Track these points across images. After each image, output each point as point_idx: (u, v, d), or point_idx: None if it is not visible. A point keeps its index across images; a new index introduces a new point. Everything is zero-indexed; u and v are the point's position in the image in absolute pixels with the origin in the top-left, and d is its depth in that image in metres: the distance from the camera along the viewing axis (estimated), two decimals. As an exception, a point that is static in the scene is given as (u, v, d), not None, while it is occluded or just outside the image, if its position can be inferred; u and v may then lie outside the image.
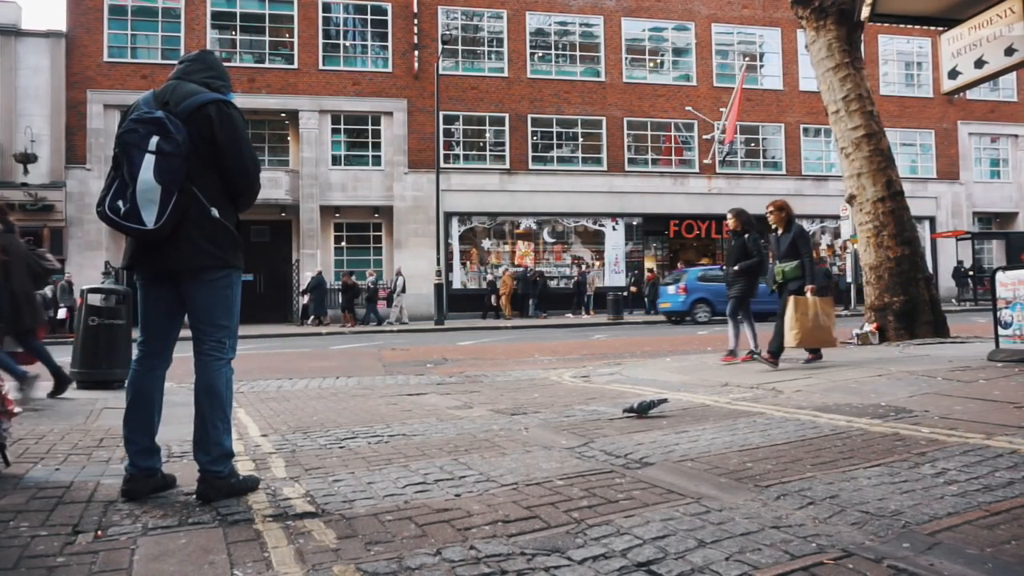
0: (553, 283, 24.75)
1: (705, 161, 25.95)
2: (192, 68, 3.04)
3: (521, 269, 24.23)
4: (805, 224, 26.99)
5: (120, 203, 2.77)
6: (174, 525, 2.58)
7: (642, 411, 4.67)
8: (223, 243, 2.92)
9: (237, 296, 3.05)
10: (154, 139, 2.75)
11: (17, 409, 3.61)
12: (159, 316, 3.00)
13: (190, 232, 2.85)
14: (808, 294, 6.67)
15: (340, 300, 22.04)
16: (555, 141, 25.47)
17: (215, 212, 2.88)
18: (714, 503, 2.68)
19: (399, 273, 22.38)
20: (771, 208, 7.23)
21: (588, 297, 23.62)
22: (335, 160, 24.08)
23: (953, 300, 25.25)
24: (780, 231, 7.17)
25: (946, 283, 25.70)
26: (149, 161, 2.74)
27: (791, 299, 6.65)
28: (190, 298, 2.95)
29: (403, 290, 22.07)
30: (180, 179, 2.78)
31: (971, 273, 25.85)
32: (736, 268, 7.66)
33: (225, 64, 3.27)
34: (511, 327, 19.62)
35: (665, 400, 4.93)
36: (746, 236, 7.62)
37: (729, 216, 7.82)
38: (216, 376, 2.94)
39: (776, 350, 6.82)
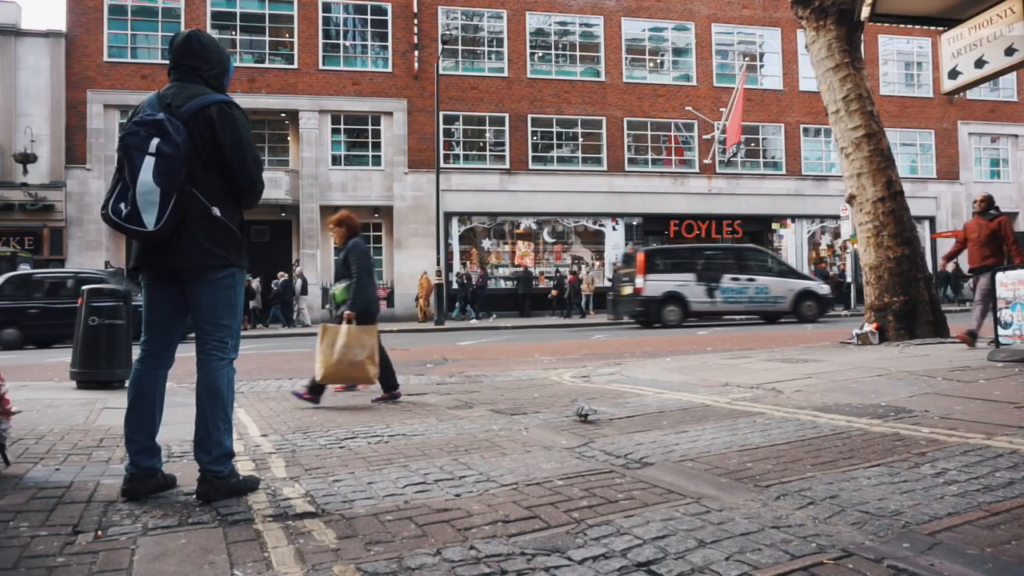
0: (553, 283, 24.71)
1: (705, 161, 25.95)
2: (186, 64, 2.99)
3: (521, 269, 24.22)
4: (806, 224, 27.13)
5: (122, 205, 2.78)
6: (174, 525, 2.58)
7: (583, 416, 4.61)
8: (226, 243, 2.93)
9: (240, 296, 3.05)
10: (154, 141, 2.75)
11: (16, 408, 3.61)
12: (163, 316, 3.00)
13: (193, 232, 2.85)
14: (344, 322, 5.63)
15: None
16: (555, 141, 25.47)
17: (217, 212, 2.89)
18: (714, 503, 2.68)
19: (300, 274, 21.86)
20: (331, 224, 6.18)
21: (587, 298, 23.28)
22: (335, 160, 24.08)
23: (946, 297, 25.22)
24: (340, 247, 6.11)
25: (946, 283, 25.72)
26: (149, 163, 2.74)
27: (320, 328, 5.81)
28: (194, 297, 2.95)
29: (304, 291, 21.77)
30: (179, 181, 2.79)
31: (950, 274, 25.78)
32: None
33: None
34: (510, 327, 19.61)
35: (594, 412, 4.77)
36: (349, 247, 6.00)
37: (330, 225, 6.24)
38: (218, 376, 2.95)
39: (314, 386, 5.69)
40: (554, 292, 23.56)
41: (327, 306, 6.12)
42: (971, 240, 8.20)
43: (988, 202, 8.31)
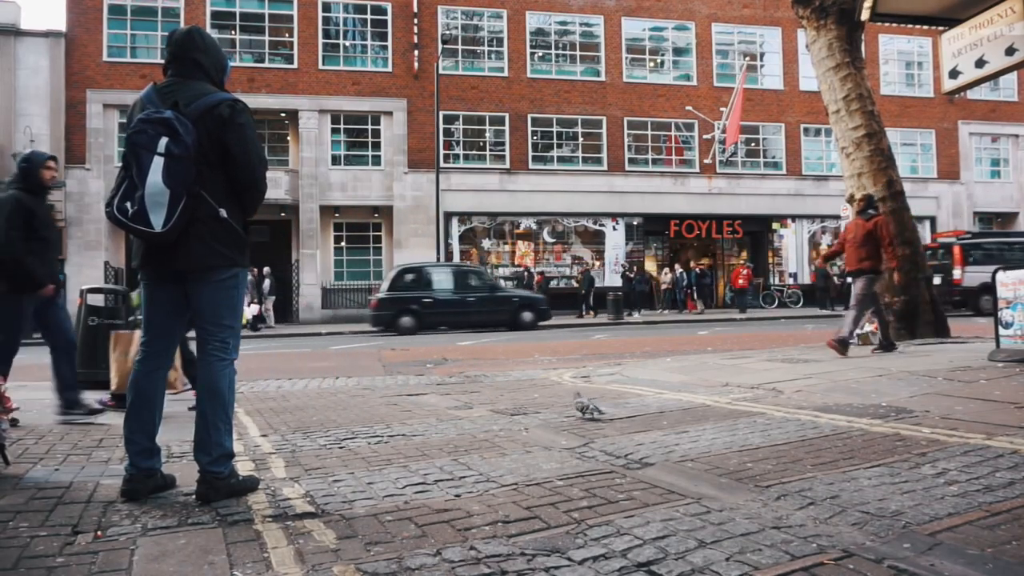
0: (555, 283, 24.71)
1: (705, 161, 25.95)
2: (188, 57, 2.97)
3: (521, 269, 24.21)
4: (806, 224, 27.12)
5: (128, 204, 2.76)
6: (174, 525, 2.58)
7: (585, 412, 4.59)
8: (231, 243, 2.92)
9: (242, 296, 3.05)
10: (163, 141, 2.72)
11: (15, 407, 3.61)
12: (163, 316, 3.00)
13: (201, 232, 2.84)
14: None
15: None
16: (555, 141, 25.46)
17: (224, 213, 2.87)
18: (714, 503, 2.68)
19: (268, 275, 21.32)
20: None
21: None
22: (335, 160, 24.08)
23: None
24: None
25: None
26: (158, 164, 2.72)
27: (113, 336, 5.61)
28: (197, 298, 2.94)
29: (271, 291, 21.55)
30: (189, 182, 2.77)
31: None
32: None
33: None
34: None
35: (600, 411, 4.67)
36: None
37: None
38: (219, 377, 2.94)
39: (115, 395, 5.39)
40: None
41: (135, 313, 5.70)
42: (848, 241, 7.81)
43: (867, 201, 7.89)
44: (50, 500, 2.92)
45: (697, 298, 24.16)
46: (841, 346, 7.32)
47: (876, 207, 7.94)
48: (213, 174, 2.87)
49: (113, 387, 5.45)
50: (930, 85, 28.29)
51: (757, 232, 27.28)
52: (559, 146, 25.53)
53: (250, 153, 2.92)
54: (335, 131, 24.13)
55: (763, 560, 2.10)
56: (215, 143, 2.85)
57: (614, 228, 25.65)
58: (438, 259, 21.41)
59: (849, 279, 7.93)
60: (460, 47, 24.62)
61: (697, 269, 24.89)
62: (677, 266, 25.24)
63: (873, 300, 7.71)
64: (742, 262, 26.57)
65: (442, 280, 18.14)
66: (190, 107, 2.83)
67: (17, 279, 4.69)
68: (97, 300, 6.74)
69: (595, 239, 25.82)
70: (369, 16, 24.37)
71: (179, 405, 5.23)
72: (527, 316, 18.02)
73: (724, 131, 24.97)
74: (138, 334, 5.24)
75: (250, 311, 18.68)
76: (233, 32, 23.49)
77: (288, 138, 24.53)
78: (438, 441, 4.11)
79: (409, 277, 18.05)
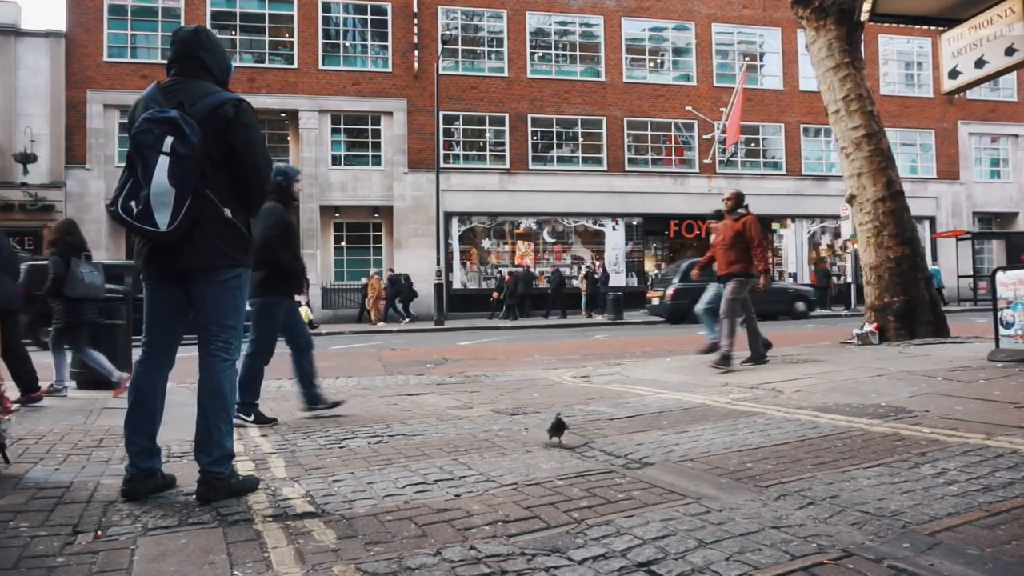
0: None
1: (705, 161, 25.95)
2: (193, 56, 2.96)
3: (521, 269, 24.19)
4: (806, 224, 27.12)
5: (132, 204, 2.75)
6: (174, 525, 2.58)
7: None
8: (236, 244, 2.92)
9: (245, 296, 3.05)
10: (168, 140, 2.71)
11: (14, 406, 3.61)
12: (165, 316, 2.99)
13: (205, 232, 2.83)
14: None
15: None
16: (555, 141, 25.46)
17: (228, 213, 2.87)
18: (714, 503, 2.68)
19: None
20: None
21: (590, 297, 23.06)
22: (335, 160, 24.08)
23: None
24: None
25: (949, 283, 25.68)
26: (163, 163, 2.71)
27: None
28: (200, 298, 2.93)
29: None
30: (194, 182, 2.76)
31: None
32: None
33: None
34: (510, 327, 19.61)
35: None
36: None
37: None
38: (221, 377, 2.94)
39: None
40: (495, 295, 22.89)
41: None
42: (717, 244, 7.18)
43: (736, 199, 7.13)
44: (50, 500, 2.92)
45: None
46: (724, 361, 6.80)
47: (746, 205, 7.16)
48: (217, 174, 2.86)
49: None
50: (930, 85, 28.29)
51: (757, 232, 27.25)
52: (559, 146, 25.53)
53: (256, 153, 2.92)
54: (335, 131, 24.13)
55: (763, 560, 2.11)
56: (220, 143, 2.84)
57: (614, 228, 25.65)
58: (438, 259, 21.40)
59: (721, 284, 7.20)
60: (460, 47, 24.61)
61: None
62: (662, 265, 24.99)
63: (744, 307, 7.07)
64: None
65: None
66: (195, 107, 2.82)
67: (292, 282, 5.10)
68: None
69: (595, 239, 25.81)
70: (369, 16, 24.36)
71: (179, 406, 5.23)
72: (800, 306, 20.41)
73: (724, 131, 24.97)
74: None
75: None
76: (233, 32, 23.48)
77: (288, 138, 24.52)
78: (438, 441, 4.11)
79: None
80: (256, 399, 4.96)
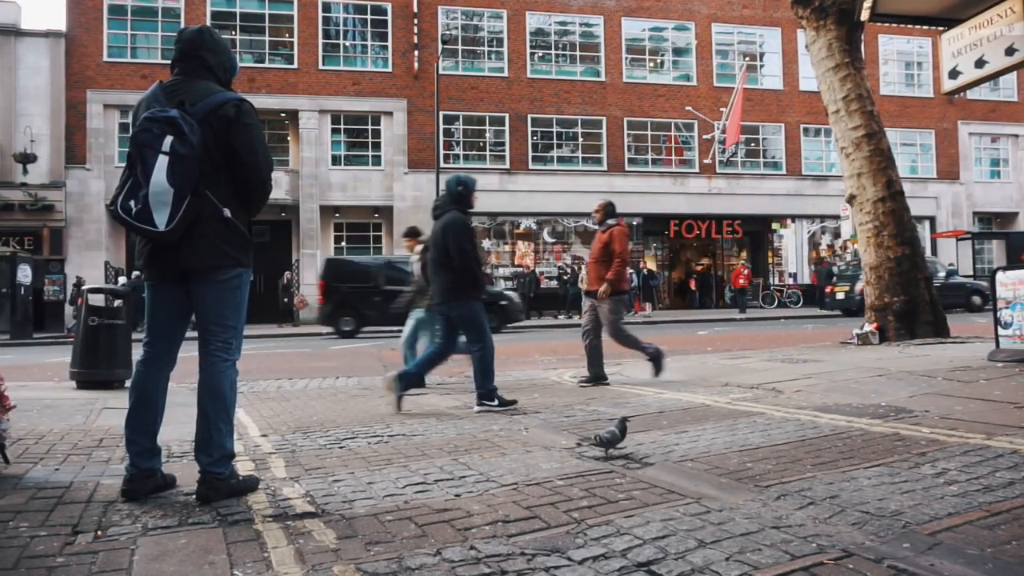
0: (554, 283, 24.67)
1: (705, 161, 25.96)
2: (196, 56, 2.96)
3: (520, 269, 24.19)
4: (806, 224, 27.13)
5: (132, 203, 2.75)
6: (174, 525, 2.58)
7: (606, 445, 3.55)
8: (236, 243, 2.91)
9: (245, 296, 3.04)
10: (168, 140, 2.71)
11: (13, 405, 3.61)
12: (166, 316, 2.99)
13: (205, 232, 2.83)
14: None
15: None
16: (555, 141, 25.46)
17: (228, 213, 2.87)
18: (714, 503, 2.68)
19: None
20: None
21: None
22: (335, 160, 24.09)
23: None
24: None
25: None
26: (163, 163, 2.71)
27: None
28: (200, 298, 2.93)
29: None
30: (193, 181, 2.76)
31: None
32: None
33: None
34: (510, 327, 19.55)
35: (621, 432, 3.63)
36: None
37: None
38: (221, 377, 2.94)
39: None
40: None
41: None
42: (590, 258, 6.85)
43: (606, 211, 6.71)
44: (50, 500, 2.91)
45: (644, 300, 23.26)
46: (655, 368, 6.61)
47: (615, 216, 6.72)
48: (218, 174, 2.86)
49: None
50: (930, 85, 28.30)
51: (757, 232, 27.29)
52: (559, 146, 25.53)
53: (257, 153, 2.91)
54: (335, 131, 24.13)
55: (763, 560, 2.11)
56: (221, 143, 2.84)
57: (614, 228, 25.59)
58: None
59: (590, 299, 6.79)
60: (460, 47, 24.62)
61: (645, 270, 24.08)
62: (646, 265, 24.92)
63: (605, 324, 6.67)
64: (742, 262, 26.57)
65: None
66: (196, 106, 2.82)
67: (481, 286, 5.40)
68: (97, 300, 6.75)
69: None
70: (369, 16, 24.37)
71: (179, 406, 5.22)
72: (976, 300, 20.68)
73: (724, 131, 24.97)
74: None
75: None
76: (233, 32, 23.48)
77: (288, 138, 24.53)
78: (438, 441, 4.11)
79: None
80: (494, 386, 5.29)
